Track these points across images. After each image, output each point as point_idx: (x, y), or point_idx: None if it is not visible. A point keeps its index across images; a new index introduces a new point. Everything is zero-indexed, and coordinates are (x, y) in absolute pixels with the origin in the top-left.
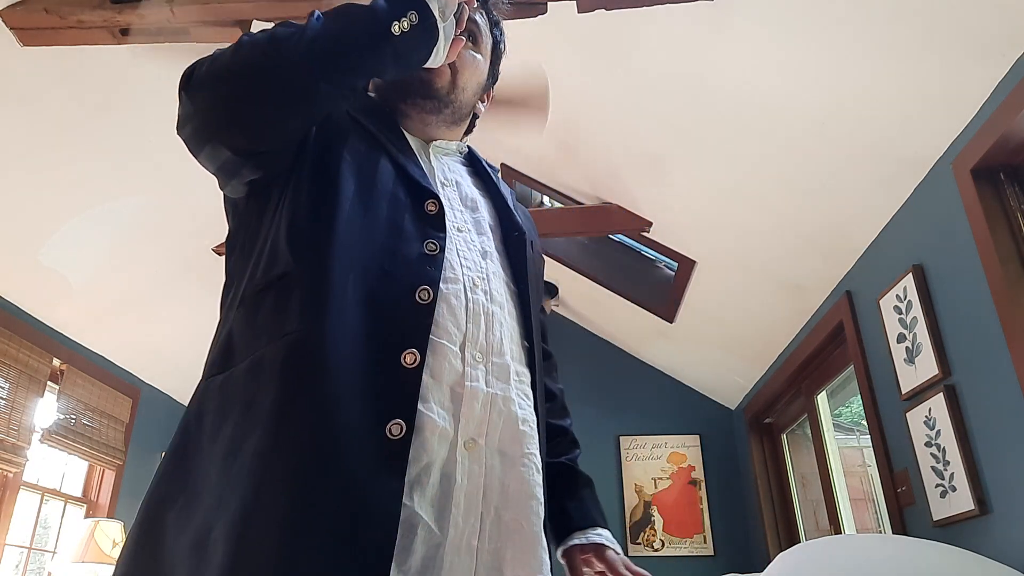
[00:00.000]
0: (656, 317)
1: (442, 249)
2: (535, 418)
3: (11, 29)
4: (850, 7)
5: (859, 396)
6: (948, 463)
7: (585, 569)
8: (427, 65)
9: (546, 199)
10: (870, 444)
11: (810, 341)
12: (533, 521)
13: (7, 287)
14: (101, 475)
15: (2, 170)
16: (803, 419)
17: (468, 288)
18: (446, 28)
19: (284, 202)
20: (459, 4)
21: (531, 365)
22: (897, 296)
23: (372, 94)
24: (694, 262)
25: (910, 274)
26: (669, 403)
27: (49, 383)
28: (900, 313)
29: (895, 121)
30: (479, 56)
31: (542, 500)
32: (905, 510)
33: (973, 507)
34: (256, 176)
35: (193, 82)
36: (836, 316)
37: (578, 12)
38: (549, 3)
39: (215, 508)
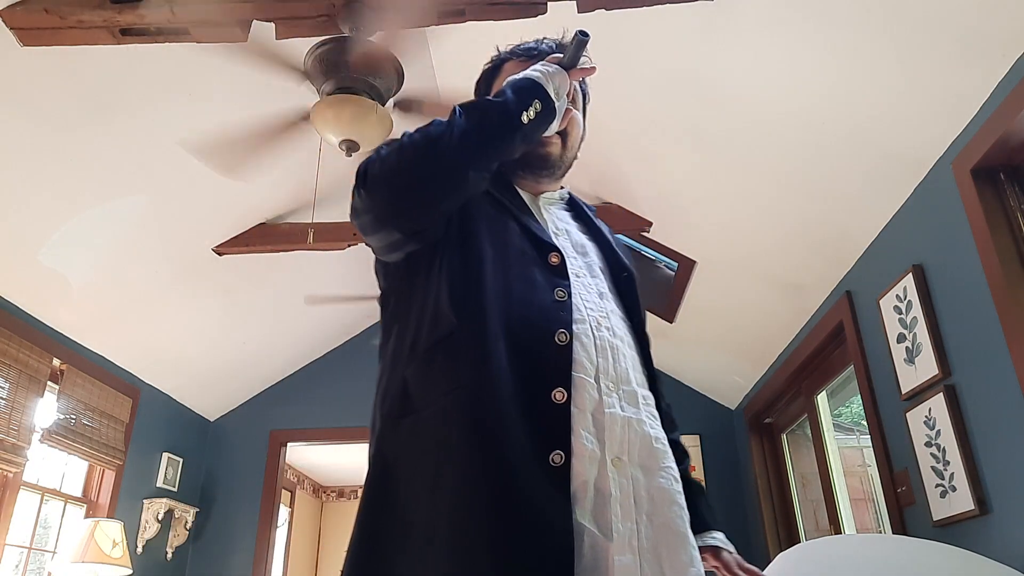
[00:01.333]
0: (656, 317)
1: (569, 295)
2: (665, 435)
3: (11, 29)
4: (850, 7)
5: (859, 396)
6: (948, 463)
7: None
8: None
9: None
10: (870, 444)
11: (810, 341)
12: (679, 524)
13: (7, 287)
14: (101, 475)
15: (2, 170)
16: (803, 419)
17: (593, 327)
18: (559, 105)
19: (436, 267)
20: (570, 83)
21: (653, 389)
22: (897, 296)
23: None
24: (694, 262)
25: (910, 274)
26: (669, 403)
27: (49, 383)
28: (900, 313)
29: (895, 121)
30: (579, 113)
31: (683, 505)
32: (905, 510)
33: (973, 507)
34: (415, 248)
35: (369, 181)
36: (836, 316)
37: (578, 12)
38: (549, 3)
39: (429, 528)
